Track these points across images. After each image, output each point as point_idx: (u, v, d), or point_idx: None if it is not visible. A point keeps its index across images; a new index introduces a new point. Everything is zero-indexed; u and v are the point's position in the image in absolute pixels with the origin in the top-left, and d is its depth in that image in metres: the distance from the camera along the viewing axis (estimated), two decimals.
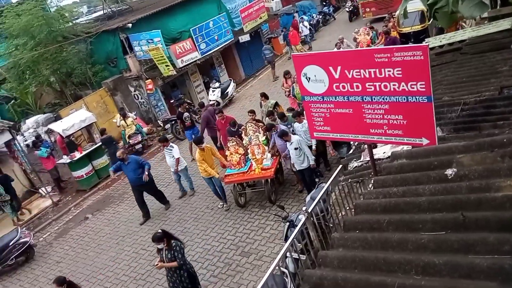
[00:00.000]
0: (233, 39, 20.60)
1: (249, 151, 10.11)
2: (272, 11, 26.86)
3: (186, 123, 13.91)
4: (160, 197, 11.28)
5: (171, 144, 11.23)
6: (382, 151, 5.95)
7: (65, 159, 13.87)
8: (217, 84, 18.67)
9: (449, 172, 3.53)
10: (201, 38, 18.70)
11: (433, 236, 3.01)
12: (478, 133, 4.64)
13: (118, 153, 10.58)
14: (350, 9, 26.89)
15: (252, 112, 11.21)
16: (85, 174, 13.92)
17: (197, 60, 18.50)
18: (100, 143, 14.40)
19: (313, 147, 9.23)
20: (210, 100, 18.45)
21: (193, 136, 13.69)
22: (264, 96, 12.46)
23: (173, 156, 10.89)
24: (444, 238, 2.95)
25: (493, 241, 2.65)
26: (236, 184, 10.06)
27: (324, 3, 32.89)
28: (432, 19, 9.57)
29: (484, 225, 2.85)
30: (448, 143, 4.34)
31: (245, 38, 21.35)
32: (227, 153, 10.28)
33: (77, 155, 13.71)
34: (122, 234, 10.75)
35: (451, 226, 3.01)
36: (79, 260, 10.25)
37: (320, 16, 29.39)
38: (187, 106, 14.69)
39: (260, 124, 10.59)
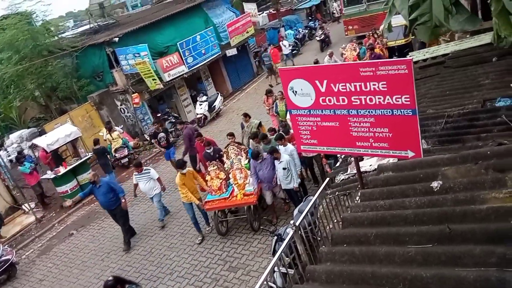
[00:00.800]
0: (220, 53, 20.73)
1: (230, 175, 9.48)
2: (259, 26, 27.20)
3: (161, 143, 13.26)
4: (127, 229, 10.35)
5: (146, 167, 10.49)
6: (368, 164, 5.98)
7: (49, 175, 13.64)
8: (204, 98, 18.68)
9: (435, 184, 3.56)
10: (188, 52, 18.77)
11: (420, 249, 3.01)
12: (462, 146, 4.70)
13: (90, 176, 10.06)
14: (321, 37, 25.62)
15: (231, 135, 10.39)
16: (69, 189, 13.69)
17: (184, 74, 18.53)
18: (86, 157, 14.25)
19: (298, 171, 8.90)
20: (197, 114, 18.46)
21: (170, 157, 13.43)
22: (247, 115, 11.82)
23: (150, 179, 10.18)
24: (430, 250, 2.95)
25: (479, 253, 2.66)
26: (217, 211, 9.40)
27: (310, 18, 33.40)
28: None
29: (470, 237, 2.86)
30: (433, 155, 4.38)
31: (232, 52, 21.49)
32: (208, 177, 9.62)
33: (62, 170, 13.49)
34: (107, 251, 10.55)
35: (437, 238, 3.02)
36: (62, 278, 10.01)
37: (306, 31, 29.80)
38: (162, 126, 13.97)
39: (243, 147, 9.99)
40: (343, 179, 6.00)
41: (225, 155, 9.90)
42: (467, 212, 3.05)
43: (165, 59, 17.79)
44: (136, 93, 16.77)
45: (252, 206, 9.07)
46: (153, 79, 16.74)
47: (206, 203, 9.35)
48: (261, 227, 9.06)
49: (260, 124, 11.43)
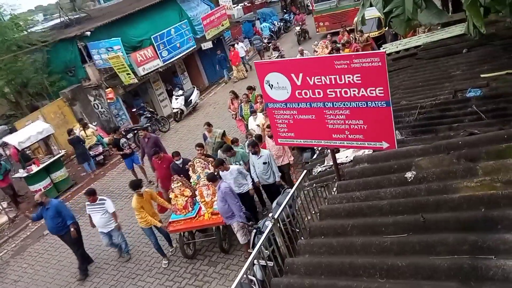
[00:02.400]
0: (195, 46, 20.53)
1: (197, 192, 8.53)
2: (234, 19, 27.01)
3: (124, 150, 12.05)
4: (81, 256, 9.24)
5: (101, 197, 8.94)
6: (344, 156, 6.04)
7: (22, 173, 13.27)
8: (180, 92, 18.47)
9: (409, 175, 3.63)
10: (163, 45, 18.51)
11: (395, 239, 3.07)
12: (435, 136, 4.80)
13: (36, 196, 8.92)
14: (299, 32, 25.39)
15: (200, 146, 9.56)
16: (43, 188, 13.33)
17: (159, 68, 18.28)
18: (59, 155, 13.95)
19: (250, 185, 8.47)
20: (174, 108, 18.25)
21: (134, 162, 12.40)
22: (209, 125, 10.66)
23: (105, 211, 8.73)
24: (406, 240, 3.01)
25: (453, 241, 2.73)
26: (182, 233, 8.56)
27: (285, 10, 33.42)
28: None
29: (443, 226, 2.93)
30: (407, 146, 4.46)
31: (207, 45, 21.32)
32: (171, 195, 8.57)
33: (34, 168, 13.15)
34: None
35: (412, 228, 3.08)
36: (38, 278, 9.80)
37: (282, 23, 29.81)
38: (123, 132, 12.83)
39: (210, 159, 8.92)
40: (320, 171, 6.05)
41: (191, 168, 8.94)
42: (440, 202, 3.12)
43: (139, 53, 17.49)
44: (110, 88, 16.46)
45: (221, 226, 8.24)
46: (127, 74, 16.46)
47: (169, 224, 8.46)
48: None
49: (224, 134, 10.59)
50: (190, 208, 8.51)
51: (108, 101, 16.68)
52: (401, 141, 4.86)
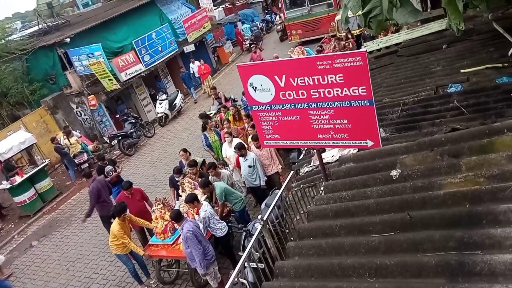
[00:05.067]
0: (177, 49, 20.41)
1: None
2: (215, 21, 26.96)
3: (110, 178, 10.51)
4: None
5: None
6: (330, 155, 6.07)
7: (5, 185, 13.02)
8: (164, 96, 18.37)
9: (394, 173, 3.65)
10: (144, 50, 18.37)
11: (383, 238, 3.09)
12: (418, 132, 4.85)
13: None
14: (280, 32, 25.30)
15: (184, 151, 9.24)
16: (27, 198, 13.15)
17: (141, 72, 18.13)
18: (43, 164, 13.74)
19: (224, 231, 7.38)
20: (158, 113, 18.12)
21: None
22: (186, 151, 9.70)
23: None
24: (393, 238, 3.03)
25: (439, 238, 2.75)
26: (160, 259, 8.04)
27: (267, 11, 33.46)
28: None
29: (429, 223, 2.95)
30: (391, 144, 4.49)
31: (190, 48, 21.24)
32: (153, 216, 7.97)
33: (18, 179, 12.92)
34: (71, 259, 10.22)
35: (399, 226, 3.10)
36: None
37: (263, 24, 29.85)
38: (105, 162, 10.97)
39: (199, 179, 8.28)
40: (307, 171, 6.06)
41: (180, 187, 8.37)
42: (426, 199, 3.15)
43: (120, 58, 17.33)
44: (92, 95, 16.29)
45: None
46: (109, 80, 16.29)
47: (148, 247, 7.96)
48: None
49: (203, 163, 9.69)
50: (170, 233, 7.85)
51: (91, 108, 16.48)
52: (385, 139, 4.89)
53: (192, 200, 7.12)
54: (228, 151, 9.49)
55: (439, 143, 3.76)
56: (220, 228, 7.26)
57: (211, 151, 10.65)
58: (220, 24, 27.47)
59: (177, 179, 8.69)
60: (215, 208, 7.67)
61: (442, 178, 3.28)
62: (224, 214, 7.81)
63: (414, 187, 3.38)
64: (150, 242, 8.04)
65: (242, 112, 11.18)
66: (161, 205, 7.92)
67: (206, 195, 7.92)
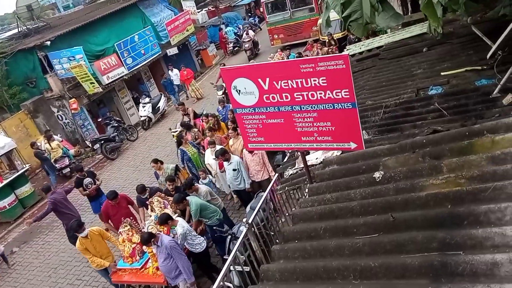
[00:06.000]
0: (160, 52, 20.29)
1: None
2: (199, 23, 26.88)
3: (89, 191, 9.87)
4: None
5: None
6: (315, 157, 6.10)
7: None
8: (147, 99, 18.19)
9: (377, 175, 3.69)
10: (127, 53, 18.21)
11: (367, 239, 3.11)
12: (400, 134, 4.91)
13: None
14: (249, 46, 23.11)
15: (155, 162, 8.99)
16: (7, 204, 12.85)
17: (124, 75, 17.96)
18: (24, 169, 13.47)
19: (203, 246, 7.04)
20: (141, 116, 17.96)
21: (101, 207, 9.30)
22: (157, 162, 9.31)
23: None
24: (377, 240, 3.05)
25: (422, 239, 2.79)
26: (128, 285, 7.48)
27: (250, 14, 33.53)
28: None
29: (412, 224, 2.99)
30: (374, 146, 4.54)
31: (173, 51, 21.14)
32: (120, 238, 7.41)
33: None
34: (54, 266, 10.02)
35: (382, 228, 3.13)
36: None
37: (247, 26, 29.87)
38: (81, 176, 10.09)
39: (170, 198, 7.77)
40: (291, 174, 6.08)
41: (150, 206, 7.79)
42: (408, 200, 3.19)
43: (102, 61, 17.13)
44: (74, 99, 16.04)
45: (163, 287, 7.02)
46: (91, 83, 16.08)
47: (113, 274, 7.38)
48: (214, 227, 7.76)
49: (177, 169, 9.46)
50: (138, 257, 7.29)
51: (72, 111, 16.23)
52: (368, 141, 4.94)
53: (166, 220, 6.71)
54: (209, 158, 9.36)
55: (421, 145, 3.81)
56: (199, 243, 6.98)
57: (189, 165, 9.96)
58: (204, 27, 27.42)
59: (143, 197, 8.34)
60: (190, 223, 7.38)
61: (424, 179, 3.33)
62: (199, 231, 7.44)
63: (397, 188, 3.41)
64: (118, 267, 7.42)
65: (222, 123, 11.05)
66: (128, 226, 7.42)
67: (177, 214, 7.50)
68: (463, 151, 3.45)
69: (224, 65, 12.48)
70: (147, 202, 7.97)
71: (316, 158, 6.05)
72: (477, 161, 3.26)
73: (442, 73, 6.28)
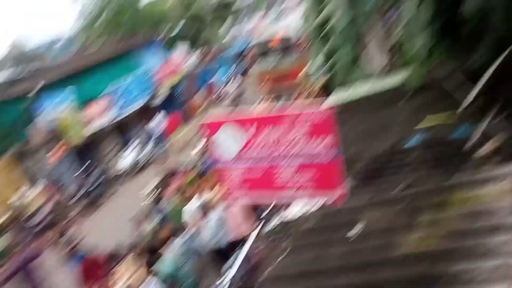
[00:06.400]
0: (150, 98, 20.44)
1: None
2: (190, 68, 27.33)
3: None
4: None
5: None
6: (296, 210, 6.06)
7: None
8: (133, 146, 18.21)
9: (354, 232, 3.66)
10: (116, 98, 18.40)
11: None
12: (380, 187, 4.91)
13: None
14: (234, 97, 22.86)
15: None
16: None
17: (111, 122, 18.01)
18: None
19: None
20: (127, 164, 17.84)
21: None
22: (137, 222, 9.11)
23: None
24: None
25: None
26: None
27: (239, 61, 34.21)
28: None
29: (388, 285, 2.93)
30: (354, 199, 4.53)
31: (162, 97, 21.33)
32: None
33: None
34: None
35: None
36: None
37: (238, 70, 30.49)
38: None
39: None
40: (273, 227, 6.00)
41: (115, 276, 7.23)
42: (384, 260, 3.14)
43: (91, 107, 17.22)
44: (59, 145, 15.92)
45: None
46: (76, 131, 16.04)
47: None
48: None
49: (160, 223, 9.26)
50: None
51: (56, 160, 16.04)
52: (349, 193, 4.93)
53: None
54: (189, 214, 9.04)
55: (398, 200, 3.81)
56: None
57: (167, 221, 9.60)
58: (193, 74, 27.88)
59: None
60: None
61: (400, 237, 3.30)
62: None
63: (374, 247, 3.37)
64: None
65: (203, 177, 10.84)
66: None
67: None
68: (438, 206, 3.45)
69: (208, 114, 12.48)
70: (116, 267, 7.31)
71: (298, 211, 6.00)
72: (452, 217, 3.26)
73: (420, 124, 6.38)
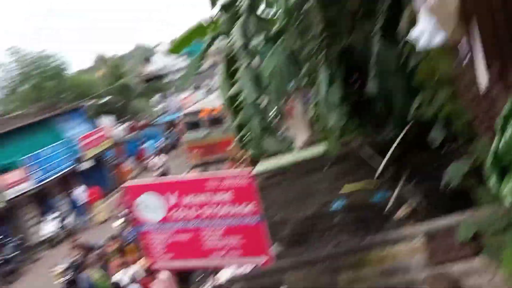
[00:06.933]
0: (73, 166, 19.62)
1: None
2: (117, 138, 26.88)
3: None
4: None
5: None
6: (227, 273, 5.98)
7: None
8: (54, 215, 17.08)
9: None
10: (36, 166, 17.42)
11: None
12: (306, 249, 5.06)
13: None
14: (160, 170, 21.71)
15: None
16: None
17: (30, 190, 16.88)
18: None
19: None
20: (48, 233, 16.58)
21: None
22: None
23: None
24: None
25: None
26: None
27: (170, 131, 34.39)
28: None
29: None
30: (281, 261, 4.60)
31: (87, 165, 20.58)
32: None
33: None
34: None
35: None
36: None
37: (168, 141, 30.52)
38: None
39: None
40: None
41: None
42: None
43: (6, 176, 16.09)
44: None
45: None
46: None
47: None
48: None
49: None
50: None
51: None
52: (276, 256, 5.00)
53: None
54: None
55: (321, 259, 3.95)
56: None
57: None
58: (120, 144, 27.38)
59: None
60: None
61: None
62: None
63: None
64: None
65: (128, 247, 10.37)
66: None
67: None
68: (357, 265, 3.63)
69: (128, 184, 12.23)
70: None
71: (228, 274, 5.92)
72: (369, 275, 3.44)
73: (342, 189, 6.76)
